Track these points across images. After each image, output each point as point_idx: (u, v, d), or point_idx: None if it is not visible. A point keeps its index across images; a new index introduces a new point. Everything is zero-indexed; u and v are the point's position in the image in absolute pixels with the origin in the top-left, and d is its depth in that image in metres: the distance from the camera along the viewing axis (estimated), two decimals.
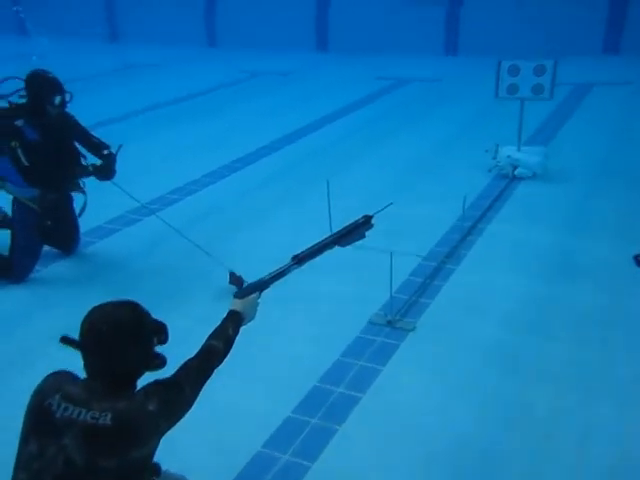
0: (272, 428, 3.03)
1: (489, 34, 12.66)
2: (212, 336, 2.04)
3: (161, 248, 4.94)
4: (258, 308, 2.25)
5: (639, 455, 2.82)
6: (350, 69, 12.57)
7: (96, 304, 1.82)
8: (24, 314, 4.08)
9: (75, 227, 4.76)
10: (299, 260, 2.36)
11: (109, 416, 1.66)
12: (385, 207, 2.72)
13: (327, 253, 4.19)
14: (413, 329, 3.82)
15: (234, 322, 2.11)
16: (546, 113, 8.27)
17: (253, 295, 2.23)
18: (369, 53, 13.52)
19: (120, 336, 1.73)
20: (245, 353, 3.50)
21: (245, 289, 2.26)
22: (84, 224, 4.85)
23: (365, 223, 2.53)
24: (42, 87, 4.09)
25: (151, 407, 1.71)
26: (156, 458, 1.90)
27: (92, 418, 1.67)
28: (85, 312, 1.80)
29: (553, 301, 4.07)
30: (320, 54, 14.46)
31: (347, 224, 2.54)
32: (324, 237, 2.46)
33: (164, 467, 2.06)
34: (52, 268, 4.66)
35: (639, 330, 3.74)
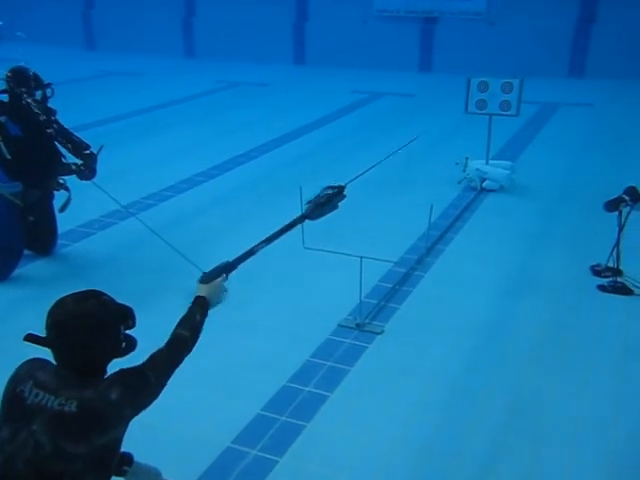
0: (242, 425, 3.11)
1: (462, 53, 13.03)
2: (179, 325, 2.05)
3: (136, 251, 4.99)
4: (226, 292, 2.21)
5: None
6: (326, 82, 12.79)
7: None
8: (1, 312, 4.10)
9: (54, 227, 4.80)
10: (267, 238, 2.31)
11: (74, 404, 1.72)
12: (366, 171, 2.54)
13: (301, 256, 4.29)
14: (381, 332, 3.94)
15: (201, 307, 2.11)
16: (514, 130, 8.55)
17: (218, 279, 2.20)
18: (345, 67, 13.76)
19: (86, 329, 1.75)
20: (217, 352, 3.59)
21: (210, 273, 2.21)
22: (59, 226, 4.89)
23: (337, 194, 2.43)
24: (22, 82, 4.16)
25: (114, 396, 1.75)
26: (128, 450, 1.96)
27: (59, 405, 1.73)
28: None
29: (513, 311, 4.22)
30: (297, 67, 14.66)
31: (318, 195, 2.42)
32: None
33: (135, 459, 2.12)
34: (28, 268, 4.69)
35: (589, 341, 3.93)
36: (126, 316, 1.87)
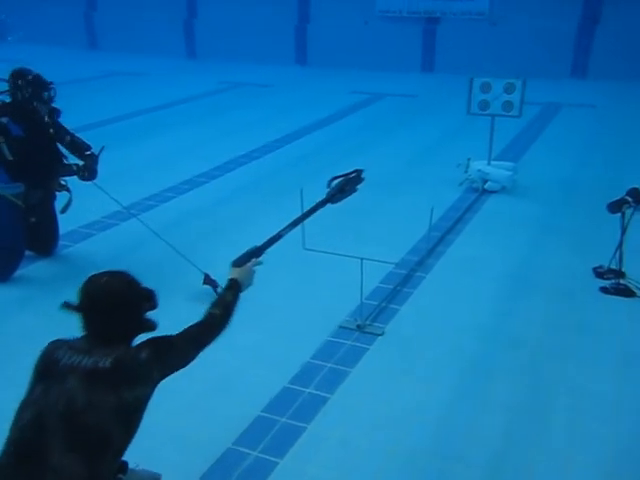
0: (243, 426, 3.10)
1: (464, 53, 13.03)
2: (212, 305, 2.23)
3: (138, 252, 4.99)
4: (256, 274, 2.38)
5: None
6: (328, 83, 12.79)
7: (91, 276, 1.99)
8: (2, 312, 4.10)
9: (56, 228, 4.80)
10: (292, 222, 2.46)
11: (109, 360, 1.87)
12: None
13: (301, 257, 4.29)
14: (382, 334, 3.93)
15: (233, 290, 2.29)
16: (516, 130, 8.54)
17: (249, 263, 2.36)
18: (347, 68, 13.77)
19: (113, 302, 1.94)
20: (216, 354, 3.58)
21: (242, 257, 2.37)
22: (60, 227, 4.89)
23: (357, 177, 2.58)
24: (29, 84, 4.17)
25: (143, 355, 1.92)
26: (126, 456, 1.96)
27: (93, 363, 1.88)
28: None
29: (515, 312, 4.20)
30: (299, 68, 14.67)
31: (339, 180, 2.54)
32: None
33: (135, 463, 2.12)
34: (29, 269, 4.68)
35: (596, 338, 3.92)
36: (149, 296, 2.04)
